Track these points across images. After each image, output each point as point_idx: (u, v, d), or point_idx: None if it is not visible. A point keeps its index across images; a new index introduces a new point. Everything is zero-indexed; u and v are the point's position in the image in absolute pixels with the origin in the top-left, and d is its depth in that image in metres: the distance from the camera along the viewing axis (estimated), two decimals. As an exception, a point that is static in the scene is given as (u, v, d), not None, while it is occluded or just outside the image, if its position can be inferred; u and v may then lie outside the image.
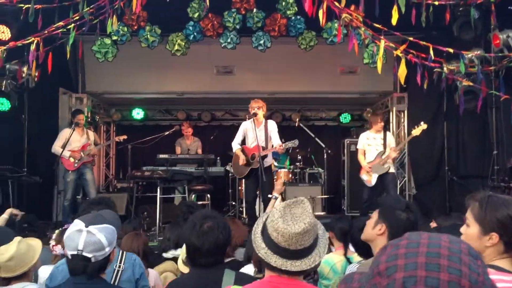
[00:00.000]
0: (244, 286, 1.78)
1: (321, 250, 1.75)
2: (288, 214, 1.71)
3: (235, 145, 6.81)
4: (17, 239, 2.80)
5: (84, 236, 2.00)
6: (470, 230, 1.88)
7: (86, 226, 2.02)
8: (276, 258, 1.69)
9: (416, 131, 6.94)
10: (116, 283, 2.64)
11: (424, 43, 6.09)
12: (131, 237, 3.58)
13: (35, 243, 2.95)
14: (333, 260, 3.34)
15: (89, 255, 2.00)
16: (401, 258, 0.78)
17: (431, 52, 5.99)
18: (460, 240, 0.83)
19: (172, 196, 7.97)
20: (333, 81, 9.59)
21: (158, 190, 6.81)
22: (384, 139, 7.26)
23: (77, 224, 2.04)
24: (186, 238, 2.38)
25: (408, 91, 9.14)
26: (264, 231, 1.76)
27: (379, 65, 6.10)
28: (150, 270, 3.47)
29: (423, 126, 6.92)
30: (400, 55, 6.06)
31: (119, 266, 2.75)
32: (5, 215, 4.38)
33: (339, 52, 8.52)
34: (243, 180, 7.61)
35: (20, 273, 2.72)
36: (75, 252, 2.00)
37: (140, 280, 2.85)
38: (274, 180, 7.37)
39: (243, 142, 6.84)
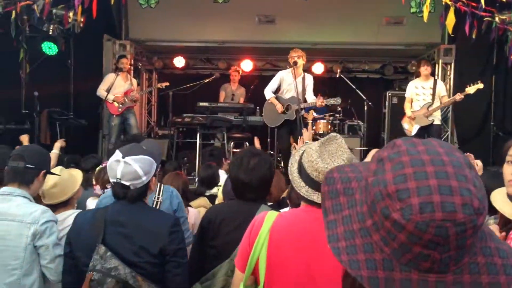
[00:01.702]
0: (282, 212, 1.84)
1: None
2: (325, 153, 1.74)
3: (269, 93, 6.76)
4: (59, 168, 2.98)
5: (122, 166, 2.12)
6: None
7: (123, 157, 2.13)
8: (318, 195, 1.73)
9: (471, 89, 6.62)
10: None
11: (476, -10, 5.82)
12: (171, 176, 3.72)
13: (76, 173, 3.15)
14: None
15: (127, 183, 2.13)
16: (410, 179, 0.77)
17: (482, 0, 5.73)
18: (452, 149, 0.82)
19: (211, 142, 8.11)
20: (377, 32, 9.30)
21: (198, 136, 6.95)
22: (434, 88, 7.01)
23: (116, 154, 2.16)
24: (233, 173, 2.46)
25: (456, 43, 8.79)
26: (302, 170, 1.79)
27: (426, 13, 5.88)
28: (190, 208, 3.62)
29: (479, 85, 6.58)
30: (449, 3, 5.82)
31: (158, 198, 2.90)
32: (56, 150, 4.56)
33: (385, 2, 8.24)
34: (276, 129, 7.57)
35: (64, 200, 2.91)
36: (115, 180, 2.14)
37: (178, 211, 2.98)
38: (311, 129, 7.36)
39: (276, 91, 6.80)
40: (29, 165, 2.55)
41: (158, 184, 2.97)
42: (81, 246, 2.14)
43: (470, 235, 0.76)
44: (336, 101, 6.32)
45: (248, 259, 1.76)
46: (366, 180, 0.85)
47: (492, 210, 2.49)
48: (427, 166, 0.77)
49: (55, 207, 2.83)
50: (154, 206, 2.83)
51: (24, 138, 4.99)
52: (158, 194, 2.91)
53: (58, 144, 4.51)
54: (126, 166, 2.12)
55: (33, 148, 2.92)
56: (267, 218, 1.79)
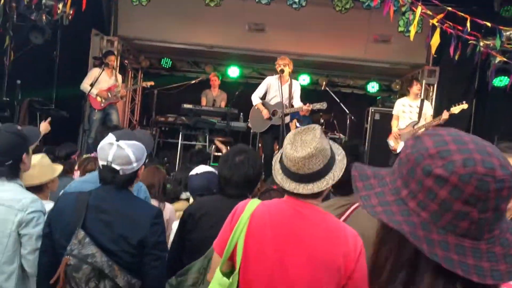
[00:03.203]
0: (264, 201, 1.86)
1: (336, 173, 1.80)
2: (298, 141, 1.77)
3: (256, 99, 6.79)
4: (41, 154, 2.94)
5: (114, 149, 2.10)
6: None
7: (117, 140, 2.11)
8: (289, 182, 1.78)
9: (456, 109, 6.70)
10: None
11: (462, 14, 5.96)
12: (152, 170, 3.70)
13: (57, 166, 3.13)
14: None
15: (117, 167, 2.11)
16: (450, 143, 0.83)
17: (468, 24, 5.87)
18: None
19: (193, 143, 8.08)
20: (364, 48, 9.44)
21: (180, 136, 6.92)
22: (421, 108, 7.11)
23: (110, 137, 2.14)
24: (218, 169, 2.48)
25: (440, 65, 8.97)
26: (281, 158, 1.84)
27: (412, 32, 6.01)
28: (166, 204, 3.60)
29: (464, 105, 6.66)
30: (436, 24, 5.95)
31: None
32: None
33: (374, 19, 8.37)
34: (258, 135, 7.58)
35: (38, 184, 2.86)
36: (105, 163, 2.12)
37: None
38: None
39: (263, 97, 6.84)
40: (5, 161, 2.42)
41: None
42: (61, 228, 2.11)
43: (506, 197, 0.80)
44: (322, 105, 6.35)
45: (227, 243, 1.77)
46: (399, 158, 0.91)
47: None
48: (465, 136, 0.84)
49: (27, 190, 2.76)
50: None
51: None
52: None
53: (44, 127, 4.38)
54: (119, 149, 2.10)
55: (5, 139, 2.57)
56: (249, 205, 1.82)
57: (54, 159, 3.81)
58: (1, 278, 2.32)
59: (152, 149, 2.47)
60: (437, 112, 7.36)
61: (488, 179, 0.78)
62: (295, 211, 1.79)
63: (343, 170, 1.82)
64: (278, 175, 1.82)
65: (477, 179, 0.78)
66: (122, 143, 2.10)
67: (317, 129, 1.81)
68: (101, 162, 2.15)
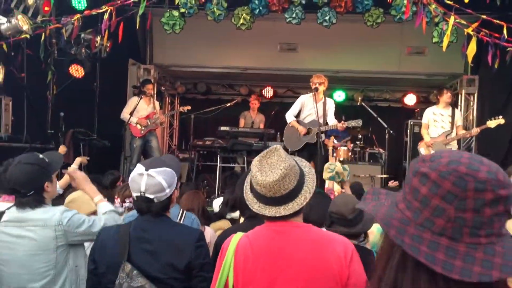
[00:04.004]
0: (247, 233, 1.85)
1: (310, 186, 1.80)
2: (265, 165, 1.76)
3: (290, 117, 6.81)
4: (80, 191, 3.03)
5: (145, 179, 2.12)
6: None
7: (146, 170, 2.13)
8: (269, 208, 1.77)
9: (491, 123, 6.54)
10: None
11: (498, 21, 5.82)
12: (191, 195, 3.75)
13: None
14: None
15: (151, 196, 2.13)
16: (445, 154, 0.88)
17: (505, 31, 5.73)
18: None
19: (231, 165, 8.14)
20: (399, 61, 9.36)
21: (218, 159, 6.98)
22: (452, 116, 6.97)
23: (139, 168, 2.17)
24: (237, 192, 2.49)
25: (479, 74, 8.76)
26: (252, 187, 1.83)
27: (445, 42, 5.91)
28: (206, 227, 3.63)
29: (501, 120, 6.49)
30: (472, 33, 5.84)
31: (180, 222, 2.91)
32: (75, 165, 4.61)
33: (406, 31, 8.30)
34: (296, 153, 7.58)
35: None
36: (139, 194, 2.14)
37: None
38: (331, 156, 7.36)
39: (298, 115, 6.85)
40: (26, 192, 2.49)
41: (180, 209, 3.00)
42: (106, 263, 2.14)
43: (489, 202, 0.80)
44: (358, 123, 6.31)
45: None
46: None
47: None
48: (464, 152, 0.87)
49: None
50: None
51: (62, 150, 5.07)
52: (180, 219, 2.93)
53: (79, 160, 4.53)
54: (150, 178, 2.12)
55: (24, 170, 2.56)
56: (233, 240, 1.82)
57: (100, 188, 3.92)
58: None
59: (180, 172, 2.50)
60: (479, 121, 7.17)
61: (467, 178, 0.80)
62: (277, 232, 1.78)
63: (315, 181, 1.83)
64: (255, 205, 1.80)
65: (456, 176, 0.81)
66: (152, 171, 2.12)
67: (279, 149, 1.80)
68: (134, 194, 2.17)
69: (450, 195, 0.81)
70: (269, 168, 1.75)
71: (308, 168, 1.89)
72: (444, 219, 0.82)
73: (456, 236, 0.82)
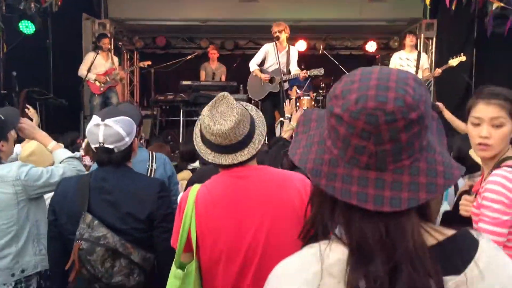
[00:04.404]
0: (204, 183, 1.84)
1: (261, 129, 1.82)
2: (216, 114, 1.73)
3: (253, 65, 6.73)
4: (35, 142, 2.91)
5: (102, 129, 2.05)
6: (507, 128, 1.93)
7: (103, 120, 2.06)
8: (225, 156, 1.75)
9: (453, 61, 6.65)
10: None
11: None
12: (155, 147, 3.72)
13: None
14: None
15: (111, 146, 2.07)
16: (355, 83, 0.85)
17: (463, -28, 5.74)
18: (408, 72, 0.89)
19: (194, 119, 8.05)
20: (360, 8, 9.30)
21: (181, 113, 6.89)
22: (418, 60, 7.09)
23: (95, 119, 2.09)
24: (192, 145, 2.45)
25: (438, 17, 8.82)
26: (204, 138, 1.79)
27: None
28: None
29: (462, 58, 6.61)
30: (430, -25, 5.83)
31: (152, 166, 2.88)
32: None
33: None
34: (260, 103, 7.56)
35: None
36: (98, 145, 2.08)
37: (172, 177, 3.00)
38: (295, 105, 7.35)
39: (262, 64, 6.77)
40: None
41: (150, 152, 2.96)
42: (66, 213, 2.09)
43: (403, 128, 0.81)
44: (320, 71, 6.31)
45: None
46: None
47: (468, 170, 2.54)
48: (373, 74, 0.85)
49: None
50: (148, 174, 2.82)
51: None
52: (152, 162, 2.89)
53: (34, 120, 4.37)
54: (107, 128, 2.05)
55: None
56: (191, 191, 1.79)
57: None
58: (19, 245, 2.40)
59: (140, 120, 2.44)
60: (438, 65, 7.27)
61: (377, 113, 0.80)
62: (238, 177, 1.77)
63: (265, 123, 1.85)
64: (209, 155, 1.78)
65: (366, 113, 0.81)
66: (108, 121, 2.05)
67: (227, 96, 1.78)
68: (93, 145, 2.10)
69: (365, 133, 0.81)
70: (221, 116, 1.71)
71: (255, 111, 1.89)
72: (366, 155, 0.83)
73: (382, 167, 0.83)
